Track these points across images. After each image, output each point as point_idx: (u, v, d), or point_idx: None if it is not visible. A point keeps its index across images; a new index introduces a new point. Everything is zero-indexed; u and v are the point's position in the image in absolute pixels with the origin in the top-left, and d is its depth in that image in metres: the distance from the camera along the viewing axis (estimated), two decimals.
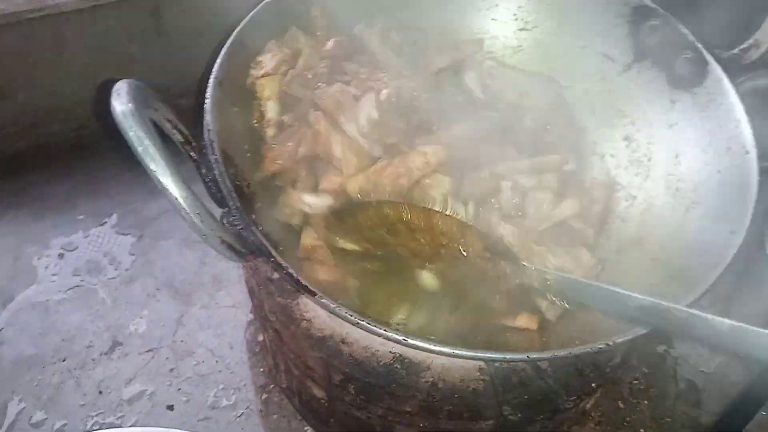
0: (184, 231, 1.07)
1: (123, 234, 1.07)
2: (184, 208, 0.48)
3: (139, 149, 0.47)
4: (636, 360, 0.93)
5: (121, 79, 0.54)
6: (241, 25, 0.70)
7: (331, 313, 0.56)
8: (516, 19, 0.82)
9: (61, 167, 1.12)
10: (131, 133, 0.47)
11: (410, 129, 0.68)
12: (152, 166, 0.48)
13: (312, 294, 0.56)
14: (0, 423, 0.88)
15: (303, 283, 0.56)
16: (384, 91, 0.67)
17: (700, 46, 0.72)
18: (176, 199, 0.48)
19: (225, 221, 0.59)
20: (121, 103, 0.48)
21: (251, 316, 0.97)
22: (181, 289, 1.02)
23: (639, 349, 0.93)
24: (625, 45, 0.77)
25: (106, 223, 1.08)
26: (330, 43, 0.74)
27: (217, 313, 1.00)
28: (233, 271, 1.03)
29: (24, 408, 0.90)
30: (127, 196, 1.10)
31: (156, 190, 1.11)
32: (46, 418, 0.90)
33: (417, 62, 0.76)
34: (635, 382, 0.92)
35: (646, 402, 0.91)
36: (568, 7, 0.80)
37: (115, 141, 1.09)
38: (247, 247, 0.56)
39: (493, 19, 0.83)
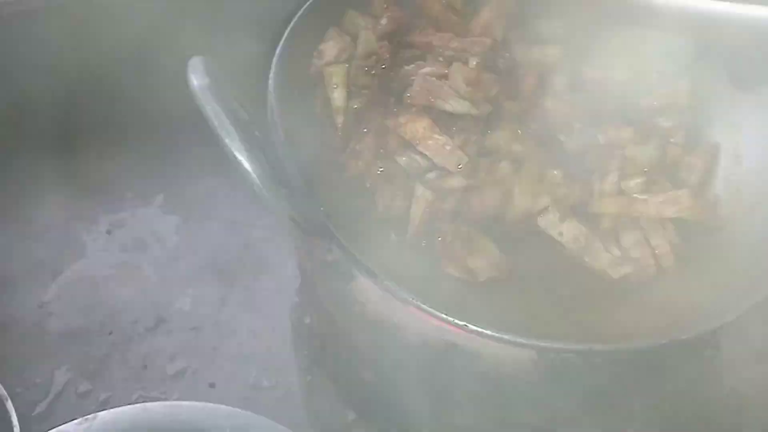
0: (228, 213, 1.09)
1: (169, 214, 1.08)
2: (257, 183, 0.49)
3: (216, 123, 0.48)
4: (684, 363, 0.91)
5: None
6: (300, 12, 0.70)
7: (392, 295, 0.56)
8: None
9: (110, 146, 1.13)
10: (208, 108, 0.48)
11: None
12: (228, 140, 0.48)
13: (374, 275, 0.56)
14: (47, 391, 0.90)
15: (365, 264, 0.56)
16: (472, 60, 0.66)
17: None
18: (250, 173, 0.48)
19: (288, 201, 0.59)
20: (198, 78, 0.49)
21: (296, 299, 0.98)
22: (225, 269, 1.03)
23: (688, 351, 0.91)
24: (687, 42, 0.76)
25: (152, 202, 1.09)
26: (383, 20, 0.74)
27: (260, 295, 1.00)
28: (276, 255, 1.04)
29: (71, 378, 0.92)
30: (173, 177, 1.11)
31: (201, 171, 1.14)
32: (92, 389, 0.91)
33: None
34: (681, 385, 0.91)
35: (692, 407, 0.90)
36: None
37: (158, 122, 1.13)
38: (312, 226, 0.57)
39: None
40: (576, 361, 0.66)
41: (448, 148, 0.65)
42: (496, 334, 0.54)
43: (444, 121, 0.67)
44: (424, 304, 0.55)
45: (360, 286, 0.68)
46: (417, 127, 0.65)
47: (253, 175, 0.48)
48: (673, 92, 0.74)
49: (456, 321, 0.54)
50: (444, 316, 0.55)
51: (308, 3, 0.70)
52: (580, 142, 0.70)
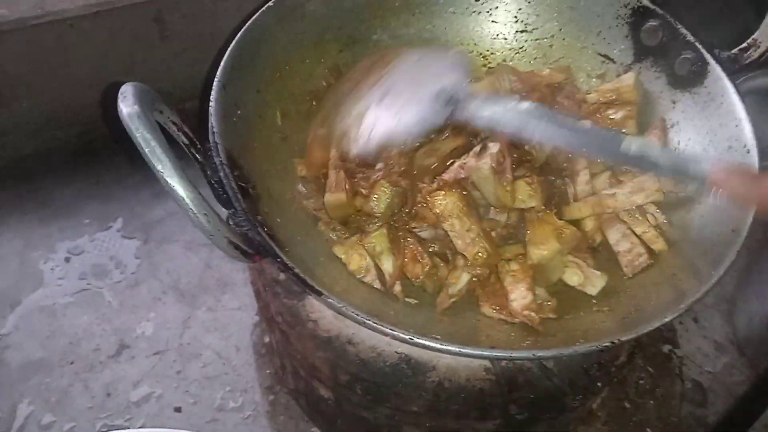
0: (188, 234, 1.08)
1: (128, 238, 1.08)
2: (191, 209, 0.49)
3: (147, 150, 0.48)
4: (641, 359, 0.93)
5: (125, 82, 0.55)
6: (244, 28, 0.70)
7: (337, 312, 0.56)
8: (516, 21, 0.83)
9: (66, 172, 1.13)
10: (138, 135, 0.48)
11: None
12: (159, 167, 0.48)
13: (318, 294, 0.56)
14: (9, 426, 0.89)
15: (309, 282, 0.56)
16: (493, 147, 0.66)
17: (699, 46, 0.72)
18: (183, 199, 0.48)
19: (231, 222, 0.59)
20: (127, 105, 0.49)
21: (257, 318, 0.98)
22: (186, 291, 1.02)
23: (644, 349, 0.93)
24: (625, 46, 0.78)
25: (111, 227, 1.08)
26: None
27: (222, 315, 1.00)
28: (238, 274, 1.04)
29: (33, 411, 0.91)
30: (131, 200, 1.11)
31: (160, 193, 1.14)
32: (55, 421, 0.90)
33: None
34: (641, 381, 0.93)
35: (652, 402, 0.92)
36: (566, 8, 0.80)
37: (119, 145, 1.13)
38: (253, 247, 0.57)
39: (493, 21, 0.83)
40: (529, 368, 0.67)
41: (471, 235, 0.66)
42: (440, 346, 0.55)
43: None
44: (369, 319, 0.55)
45: (311, 304, 0.68)
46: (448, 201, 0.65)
47: (186, 201, 0.48)
48: (618, 84, 0.76)
49: (400, 334, 0.55)
50: (389, 330, 0.55)
51: (250, 21, 0.70)
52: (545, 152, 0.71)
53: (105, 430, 0.90)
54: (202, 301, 1.02)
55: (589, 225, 0.69)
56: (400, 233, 0.69)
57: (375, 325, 0.56)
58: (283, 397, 0.91)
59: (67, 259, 1.04)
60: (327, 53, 0.78)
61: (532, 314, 0.63)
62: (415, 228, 0.69)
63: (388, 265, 0.68)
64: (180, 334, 0.99)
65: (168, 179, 0.48)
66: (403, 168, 0.70)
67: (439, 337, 0.56)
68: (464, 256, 0.66)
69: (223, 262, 1.05)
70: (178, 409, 0.92)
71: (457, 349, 0.56)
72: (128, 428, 0.90)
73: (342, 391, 0.71)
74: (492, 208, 0.69)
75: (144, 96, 0.51)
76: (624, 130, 0.74)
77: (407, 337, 0.55)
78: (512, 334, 0.64)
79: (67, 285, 1.02)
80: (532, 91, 0.73)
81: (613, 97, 0.76)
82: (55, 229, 1.07)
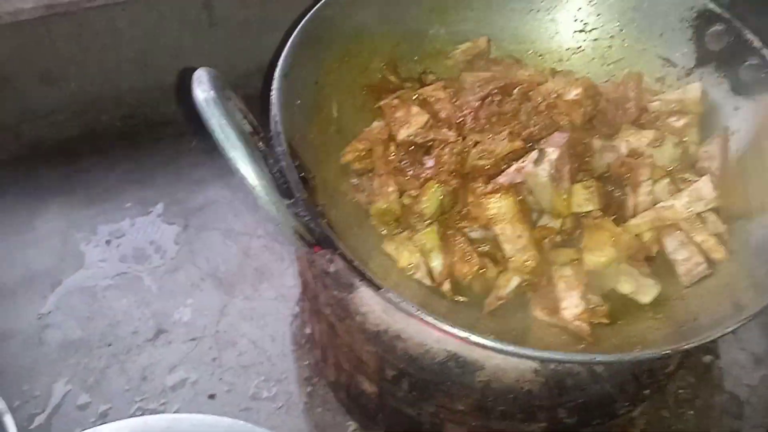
0: (228, 222, 1.08)
1: (168, 223, 1.08)
2: (262, 196, 0.49)
3: (222, 136, 0.48)
4: (684, 369, 0.92)
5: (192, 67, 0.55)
6: (308, 17, 0.70)
7: (395, 307, 0.56)
8: (575, 21, 0.82)
9: (109, 155, 1.13)
10: (213, 121, 0.48)
11: None
12: (232, 154, 0.48)
13: (377, 287, 0.56)
14: (46, 404, 0.90)
15: (368, 275, 0.56)
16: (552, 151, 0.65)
17: (765, 53, 0.71)
18: (255, 187, 0.48)
19: (291, 212, 0.59)
20: (203, 90, 0.49)
21: (296, 308, 0.97)
22: (224, 279, 1.03)
23: (688, 358, 0.92)
24: (688, 49, 0.77)
25: (152, 212, 1.09)
26: None
27: (260, 305, 1.00)
28: (276, 264, 1.04)
29: (70, 390, 0.91)
30: (173, 186, 1.11)
31: (201, 181, 1.14)
32: (91, 401, 0.91)
33: None
34: (681, 391, 0.91)
35: (691, 412, 0.90)
36: (629, 9, 0.79)
37: (162, 130, 1.13)
38: (313, 237, 0.56)
39: (551, 20, 0.82)
40: (579, 371, 0.66)
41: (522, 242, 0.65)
42: (498, 345, 0.54)
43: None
44: (426, 315, 0.55)
45: (361, 297, 0.68)
46: (502, 205, 0.65)
47: (258, 188, 0.48)
48: (682, 95, 0.75)
49: (459, 332, 0.54)
50: (447, 327, 0.55)
51: (313, 11, 0.70)
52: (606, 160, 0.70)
53: (140, 413, 0.91)
54: (240, 289, 1.02)
55: (647, 235, 0.68)
56: (450, 232, 0.69)
57: (433, 321, 0.55)
58: (321, 389, 0.90)
59: (108, 242, 1.05)
60: (383, 46, 0.77)
61: (584, 325, 0.63)
62: (465, 228, 0.69)
63: (437, 262, 0.67)
64: (217, 322, 0.99)
65: (240, 166, 0.48)
66: (454, 167, 0.70)
67: (492, 336, 0.56)
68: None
69: (261, 252, 1.05)
70: (212, 396, 0.92)
71: (515, 350, 0.56)
72: (163, 412, 0.90)
73: (387, 386, 0.71)
74: (546, 214, 0.68)
75: (218, 81, 0.51)
76: (685, 138, 0.72)
77: (464, 335, 0.55)
78: (563, 336, 0.64)
79: (108, 267, 1.02)
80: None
81: (677, 108, 0.75)
82: (97, 212, 1.07)
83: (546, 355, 0.57)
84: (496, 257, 0.68)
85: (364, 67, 0.76)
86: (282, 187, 0.61)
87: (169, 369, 0.94)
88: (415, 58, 0.79)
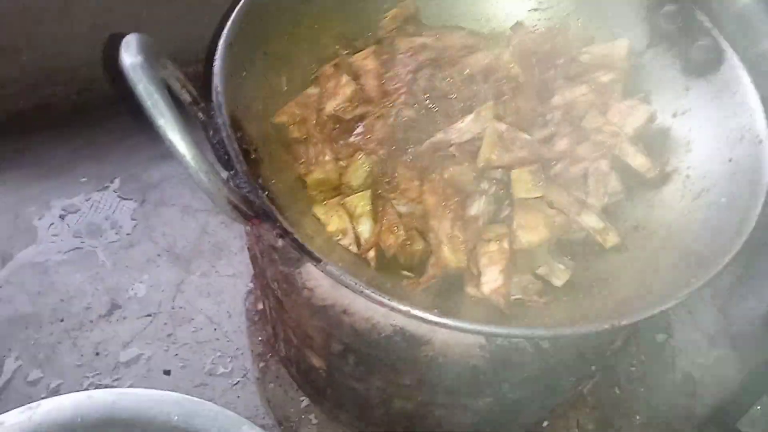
0: (186, 198, 1.07)
1: (125, 198, 1.06)
2: (192, 165, 0.47)
3: (148, 103, 0.46)
4: (635, 347, 0.93)
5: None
6: None
7: (335, 280, 0.56)
8: None
9: (64, 129, 1.11)
10: (140, 87, 0.47)
11: None
12: (161, 122, 0.47)
13: (317, 260, 0.55)
14: None
15: (308, 249, 0.56)
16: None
17: (716, 33, 0.71)
18: (184, 156, 0.47)
19: (231, 183, 0.58)
20: (130, 55, 0.47)
21: (251, 285, 0.97)
22: (181, 255, 1.02)
23: (639, 336, 0.93)
24: (641, 29, 0.76)
25: (108, 187, 1.07)
26: None
27: (216, 281, 0.99)
28: (234, 241, 1.03)
29: (20, 366, 0.90)
30: (130, 160, 1.09)
31: (159, 156, 1.12)
32: (42, 377, 0.90)
33: None
34: (632, 369, 0.92)
35: (642, 389, 0.92)
36: None
37: (119, 105, 1.11)
38: (252, 210, 0.55)
39: None
40: (524, 347, 0.66)
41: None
42: (439, 320, 0.54)
43: None
44: (367, 289, 0.54)
45: (308, 272, 0.67)
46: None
47: (188, 158, 0.47)
48: (611, 49, 0.75)
49: (399, 306, 0.54)
50: (387, 301, 0.54)
51: None
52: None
53: (92, 388, 0.90)
54: (197, 265, 1.01)
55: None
56: (381, 201, 0.68)
57: (373, 295, 0.55)
58: (273, 365, 0.90)
59: (62, 217, 1.03)
60: (333, 21, 0.76)
61: (501, 299, 0.62)
62: (393, 199, 0.68)
63: (365, 227, 0.66)
64: (172, 298, 0.98)
65: (169, 134, 0.47)
66: (381, 135, 0.68)
67: (436, 311, 0.56)
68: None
69: (219, 228, 1.04)
70: (167, 372, 0.92)
71: (456, 324, 0.55)
72: (115, 388, 0.90)
73: (334, 360, 0.70)
74: (477, 192, 0.67)
75: (148, 48, 0.49)
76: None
77: (405, 308, 0.55)
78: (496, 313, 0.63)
79: (61, 242, 1.01)
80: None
81: (605, 61, 0.75)
82: (51, 186, 1.06)
83: (486, 329, 0.57)
84: (423, 232, 0.68)
85: (315, 41, 0.74)
86: (223, 159, 0.60)
87: (123, 345, 0.93)
88: (369, 34, 0.78)
